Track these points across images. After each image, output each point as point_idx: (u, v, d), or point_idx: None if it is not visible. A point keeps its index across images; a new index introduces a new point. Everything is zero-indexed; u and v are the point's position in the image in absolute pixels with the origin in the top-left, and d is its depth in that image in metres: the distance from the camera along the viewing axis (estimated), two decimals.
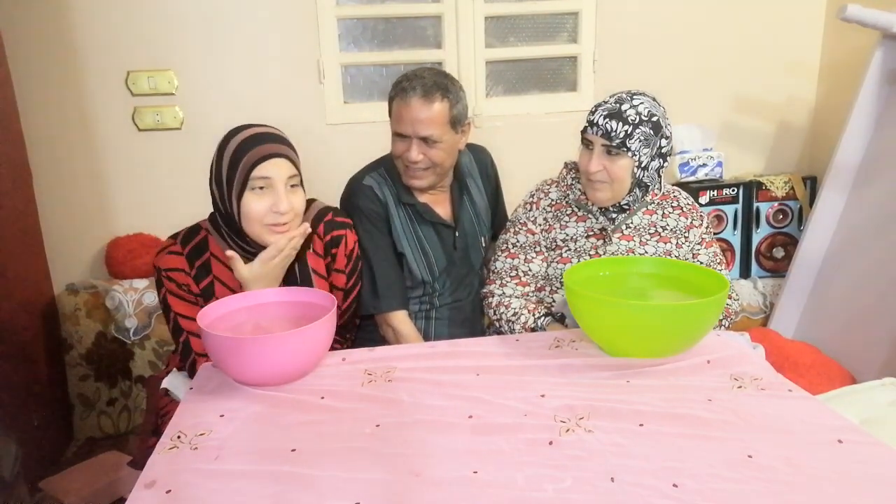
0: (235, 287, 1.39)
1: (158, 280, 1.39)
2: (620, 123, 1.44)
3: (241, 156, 1.31)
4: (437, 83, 1.53)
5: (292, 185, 1.35)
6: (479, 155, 1.83)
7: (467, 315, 1.77)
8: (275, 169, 1.31)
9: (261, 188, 1.32)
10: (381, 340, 1.67)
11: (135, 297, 2.19)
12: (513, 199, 1.86)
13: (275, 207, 1.32)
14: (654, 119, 1.46)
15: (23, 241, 2.06)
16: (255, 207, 1.32)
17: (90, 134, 2.24)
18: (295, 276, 1.45)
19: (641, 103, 1.46)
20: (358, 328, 1.66)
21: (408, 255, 1.65)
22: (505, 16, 2.45)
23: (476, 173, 1.79)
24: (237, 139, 1.34)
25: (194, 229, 1.43)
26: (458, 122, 1.58)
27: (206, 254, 1.40)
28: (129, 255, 2.24)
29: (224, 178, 1.34)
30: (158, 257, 1.39)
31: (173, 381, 1.35)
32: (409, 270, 1.67)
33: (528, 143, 2.44)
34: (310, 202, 1.51)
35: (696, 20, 2.53)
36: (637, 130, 1.44)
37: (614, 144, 1.45)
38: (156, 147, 2.28)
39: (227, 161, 1.33)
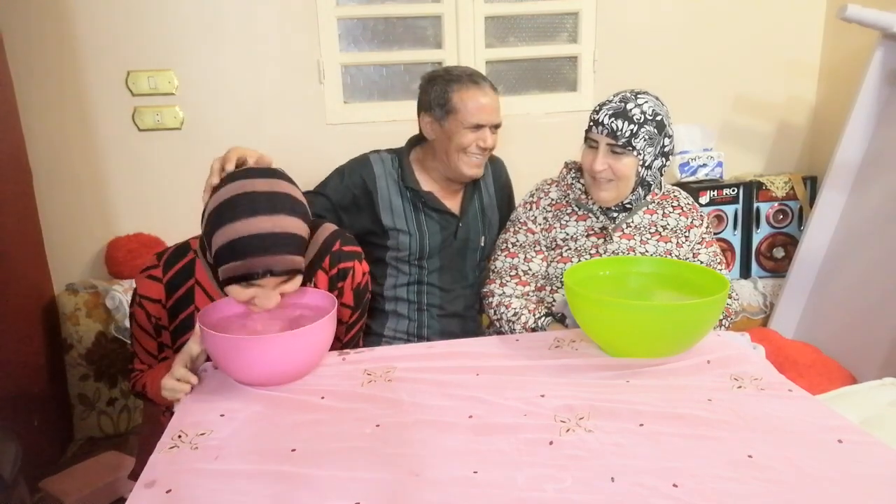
0: None
1: (132, 298, 1.29)
2: (626, 122, 1.44)
3: (225, 261, 1.12)
4: (482, 75, 1.63)
5: (286, 279, 1.18)
6: (496, 165, 1.86)
7: (458, 308, 1.77)
8: (263, 280, 1.15)
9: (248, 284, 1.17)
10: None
11: None
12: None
13: (257, 301, 1.17)
14: (659, 118, 1.46)
15: (23, 241, 2.06)
16: (236, 295, 1.17)
17: (90, 134, 2.24)
18: None
19: (646, 102, 1.46)
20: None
21: (399, 228, 1.66)
22: (505, 16, 2.45)
23: (490, 179, 1.82)
24: (229, 232, 1.11)
25: (182, 250, 1.31)
26: None
27: (189, 280, 1.28)
28: (129, 255, 2.24)
29: (209, 253, 1.17)
30: (139, 277, 1.29)
31: None
32: (396, 242, 1.68)
33: (528, 143, 2.44)
34: (318, 223, 1.37)
35: (696, 20, 2.53)
36: (642, 129, 1.44)
37: (620, 143, 1.45)
38: (156, 147, 2.28)
39: (213, 246, 1.14)
